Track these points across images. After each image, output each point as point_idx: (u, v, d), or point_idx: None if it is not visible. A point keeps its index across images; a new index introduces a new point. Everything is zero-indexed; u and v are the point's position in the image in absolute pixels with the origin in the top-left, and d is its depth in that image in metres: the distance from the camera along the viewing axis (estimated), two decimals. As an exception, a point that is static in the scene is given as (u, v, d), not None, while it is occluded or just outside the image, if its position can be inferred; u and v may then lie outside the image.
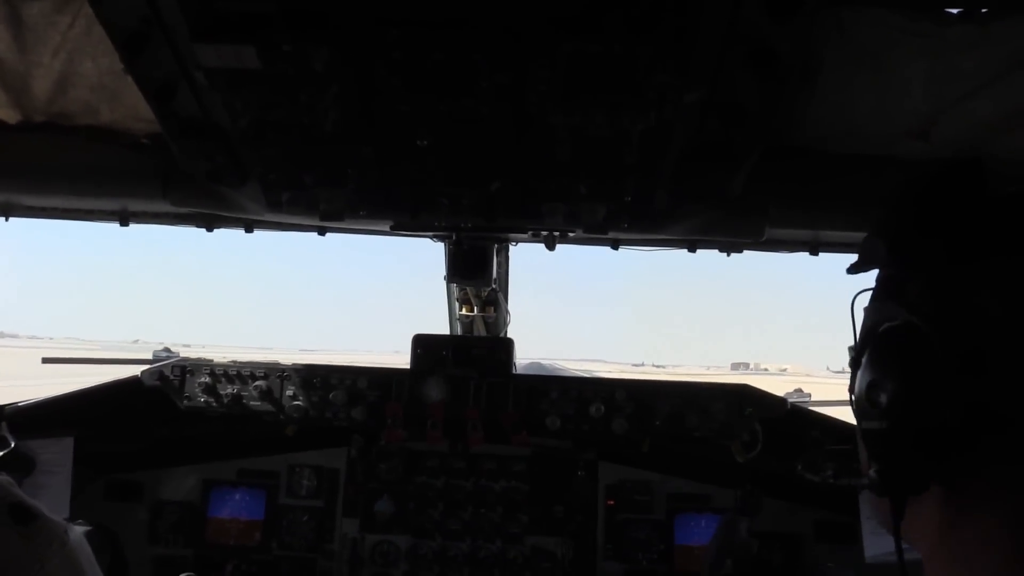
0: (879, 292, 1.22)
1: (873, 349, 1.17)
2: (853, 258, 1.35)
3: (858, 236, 2.86)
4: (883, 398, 1.12)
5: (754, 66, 1.93)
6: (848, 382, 1.25)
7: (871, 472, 1.16)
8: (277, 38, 1.87)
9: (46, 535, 1.81)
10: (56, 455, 3.63)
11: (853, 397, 1.22)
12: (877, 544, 3.43)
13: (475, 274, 3.24)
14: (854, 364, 1.22)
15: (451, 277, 3.26)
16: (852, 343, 1.33)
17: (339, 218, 2.59)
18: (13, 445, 3.35)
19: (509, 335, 4.07)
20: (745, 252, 3.15)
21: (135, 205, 3.01)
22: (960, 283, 1.09)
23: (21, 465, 3.42)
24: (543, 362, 22.60)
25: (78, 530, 1.93)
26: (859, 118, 2.44)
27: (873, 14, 2.02)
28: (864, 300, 1.29)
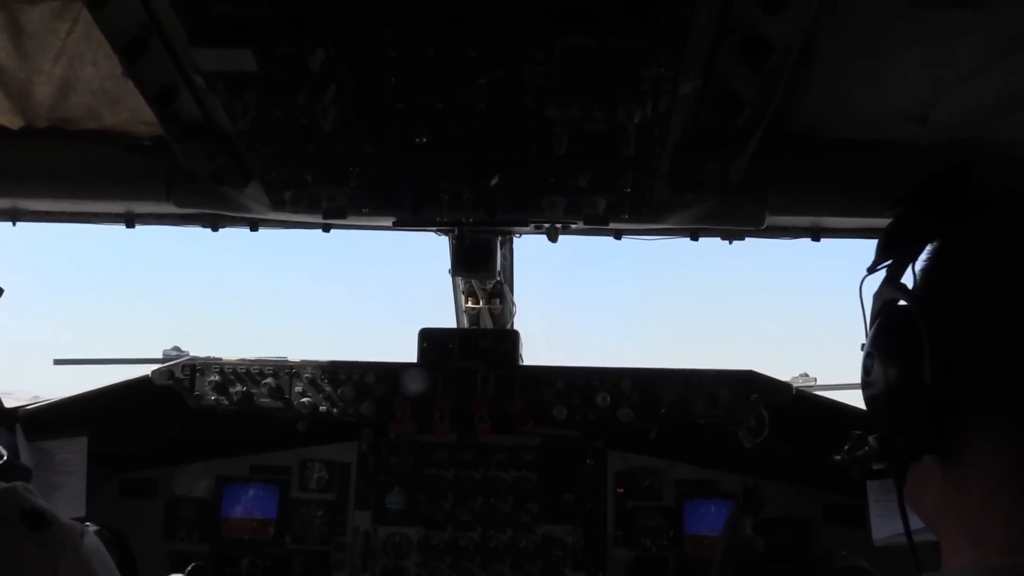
0: (884, 279, 1.29)
1: (873, 326, 1.25)
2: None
3: (859, 221, 2.89)
4: (877, 368, 1.19)
5: (748, 55, 1.93)
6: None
7: (871, 440, 1.21)
8: (273, 41, 1.88)
9: (59, 540, 1.83)
10: (71, 454, 3.68)
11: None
12: (885, 527, 3.45)
13: (479, 267, 3.26)
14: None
15: (456, 270, 3.28)
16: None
17: (342, 216, 2.60)
18: (5, 457, 3.25)
19: (516, 327, 4.09)
20: (747, 240, 3.15)
21: (140, 207, 3.03)
22: (945, 275, 1.17)
23: (18, 474, 3.21)
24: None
25: (94, 535, 1.96)
26: (856, 104, 2.44)
27: None
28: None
